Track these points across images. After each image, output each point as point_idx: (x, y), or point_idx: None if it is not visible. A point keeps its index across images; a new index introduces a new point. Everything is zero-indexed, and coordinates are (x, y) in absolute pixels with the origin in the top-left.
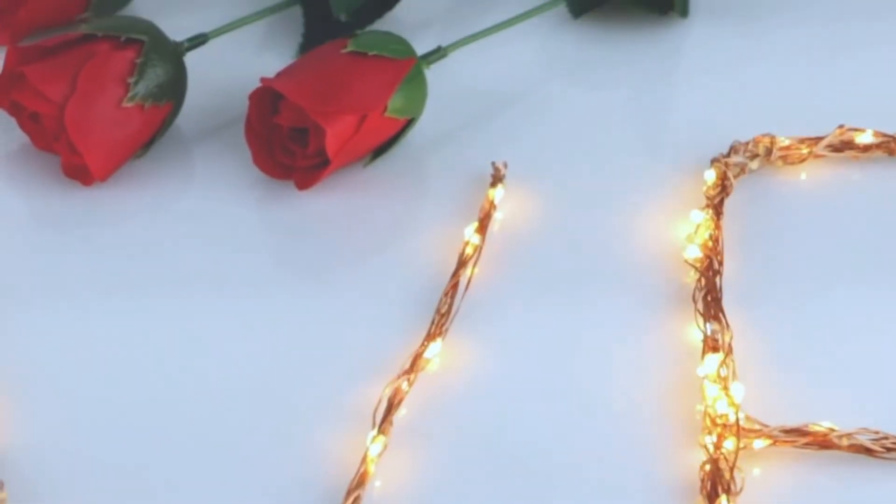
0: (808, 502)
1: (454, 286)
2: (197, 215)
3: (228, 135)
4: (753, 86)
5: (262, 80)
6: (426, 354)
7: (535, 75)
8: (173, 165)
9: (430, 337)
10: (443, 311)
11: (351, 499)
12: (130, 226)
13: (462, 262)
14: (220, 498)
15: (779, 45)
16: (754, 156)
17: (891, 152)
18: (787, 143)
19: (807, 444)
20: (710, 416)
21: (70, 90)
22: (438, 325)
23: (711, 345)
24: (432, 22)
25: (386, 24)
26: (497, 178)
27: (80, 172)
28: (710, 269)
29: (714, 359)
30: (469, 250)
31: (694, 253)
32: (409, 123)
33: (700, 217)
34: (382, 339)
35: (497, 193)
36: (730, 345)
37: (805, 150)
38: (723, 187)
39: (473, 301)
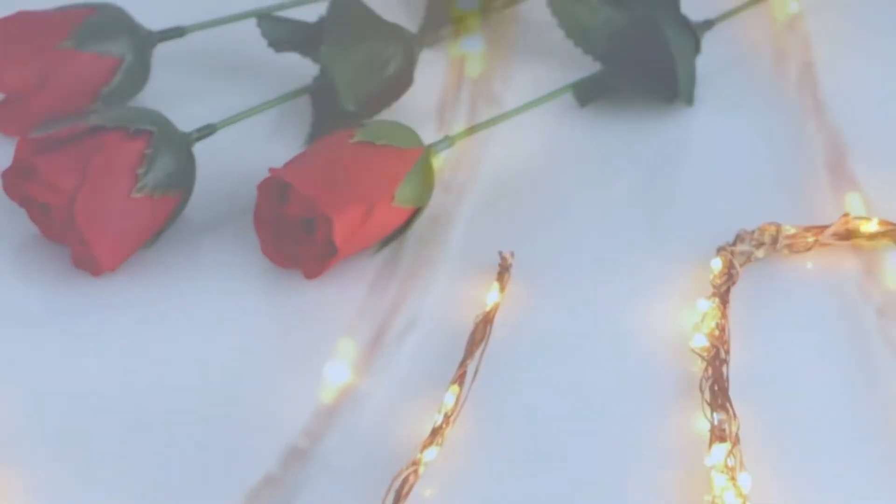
0: None
1: (461, 376)
2: (205, 304)
3: (237, 224)
4: (759, 174)
5: (271, 170)
6: (433, 445)
7: (541, 163)
8: (182, 255)
9: (437, 431)
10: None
11: None
12: (140, 315)
13: (469, 353)
14: None
15: (782, 133)
16: (760, 244)
17: None
18: (792, 231)
19: None
20: None
21: (80, 181)
22: (446, 415)
23: (718, 435)
24: (439, 111)
25: (393, 113)
26: (504, 268)
27: (90, 263)
28: (716, 359)
29: (721, 449)
30: (476, 340)
31: (700, 342)
32: (417, 212)
33: (706, 306)
34: (389, 430)
35: (504, 283)
36: (737, 435)
37: (811, 239)
38: (729, 276)
39: (480, 392)
